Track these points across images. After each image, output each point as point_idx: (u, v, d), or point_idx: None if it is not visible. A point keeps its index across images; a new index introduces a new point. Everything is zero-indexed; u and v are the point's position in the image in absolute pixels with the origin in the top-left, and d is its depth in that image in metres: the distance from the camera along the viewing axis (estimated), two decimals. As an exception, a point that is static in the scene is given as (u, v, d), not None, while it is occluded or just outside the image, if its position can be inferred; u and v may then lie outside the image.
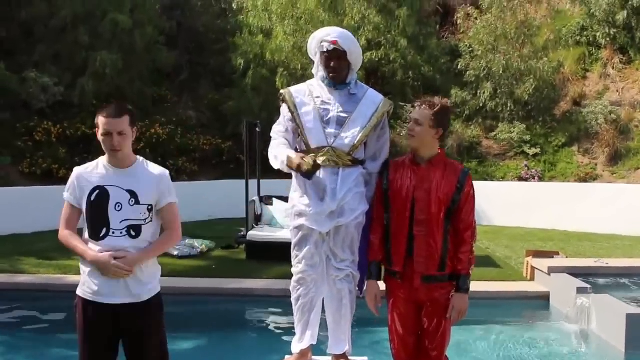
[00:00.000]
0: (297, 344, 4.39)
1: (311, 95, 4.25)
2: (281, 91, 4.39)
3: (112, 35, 15.92)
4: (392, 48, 18.09)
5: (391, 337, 4.13)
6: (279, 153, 4.15)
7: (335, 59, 4.17)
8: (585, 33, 19.20)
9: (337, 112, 4.20)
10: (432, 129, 3.86)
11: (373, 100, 4.29)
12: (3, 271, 9.59)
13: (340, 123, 4.18)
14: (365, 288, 4.17)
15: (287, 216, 4.31)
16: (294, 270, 4.29)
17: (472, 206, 3.92)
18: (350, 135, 4.15)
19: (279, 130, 4.30)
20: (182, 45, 19.05)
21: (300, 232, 4.22)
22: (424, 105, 3.88)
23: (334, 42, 4.12)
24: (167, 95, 18.23)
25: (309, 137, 4.17)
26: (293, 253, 4.29)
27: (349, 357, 4.42)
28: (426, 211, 3.84)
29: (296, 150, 4.22)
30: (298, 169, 3.97)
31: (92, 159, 3.88)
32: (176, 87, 18.65)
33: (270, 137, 4.33)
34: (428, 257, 3.86)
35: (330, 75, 4.21)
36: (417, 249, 3.86)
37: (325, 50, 4.18)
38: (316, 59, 4.32)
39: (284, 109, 4.29)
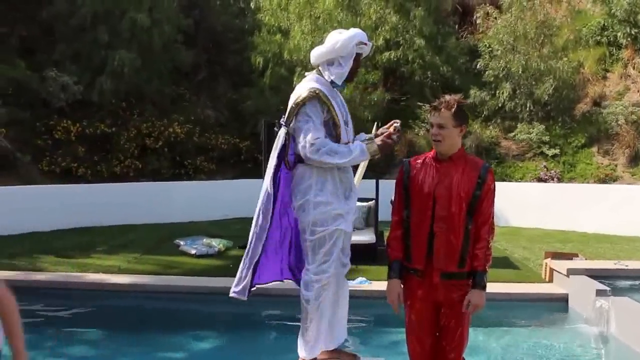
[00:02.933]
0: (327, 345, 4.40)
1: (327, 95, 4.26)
2: (315, 89, 4.19)
3: (131, 34, 16.01)
4: (410, 48, 18.04)
5: (408, 337, 4.11)
6: (347, 150, 4.14)
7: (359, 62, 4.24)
8: (605, 33, 19.03)
9: (346, 112, 4.34)
10: (456, 128, 3.86)
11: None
12: (22, 269, 9.66)
13: (347, 122, 4.31)
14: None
15: (316, 219, 4.20)
16: (321, 277, 4.20)
17: (491, 200, 3.89)
18: (352, 132, 4.28)
19: (320, 137, 4.13)
20: (200, 44, 19.10)
21: (335, 236, 4.19)
22: (442, 108, 3.86)
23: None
24: (186, 94, 18.28)
25: (342, 134, 4.16)
26: (321, 258, 4.20)
27: None
28: (447, 208, 3.82)
29: None
30: (389, 142, 4.04)
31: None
32: (194, 86, 18.71)
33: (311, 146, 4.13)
34: (448, 254, 3.84)
35: (353, 78, 4.24)
36: (437, 246, 3.84)
37: (362, 53, 4.21)
38: (345, 59, 4.21)
39: (316, 107, 4.16)
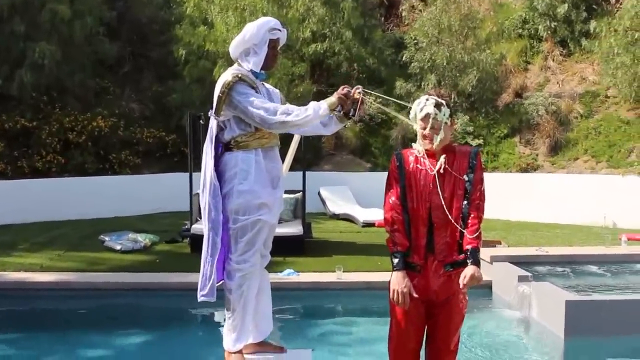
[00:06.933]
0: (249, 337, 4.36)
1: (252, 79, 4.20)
2: (238, 73, 4.11)
3: (51, 26, 15.54)
4: (337, 40, 18.13)
5: (391, 343, 3.96)
6: (310, 107, 4.00)
7: (277, 49, 4.21)
8: (527, 26, 19.54)
9: (279, 101, 4.28)
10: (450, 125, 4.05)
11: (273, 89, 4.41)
12: (-62, 269, 9.32)
13: None
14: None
15: (239, 207, 4.09)
16: (242, 266, 4.12)
17: (480, 179, 3.96)
18: None
19: (266, 100, 4.09)
20: (124, 36, 18.71)
21: (258, 226, 4.10)
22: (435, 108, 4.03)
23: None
24: (109, 87, 17.88)
25: None
26: (242, 247, 4.11)
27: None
28: (444, 197, 3.78)
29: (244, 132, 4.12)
30: (346, 100, 4.01)
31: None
32: (119, 79, 18.33)
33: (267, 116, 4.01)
34: (449, 243, 3.79)
35: (271, 65, 4.21)
36: (438, 238, 3.78)
37: (276, 39, 4.17)
38: (259, 47, 4.16)
39: (244, 87, 4.07)
